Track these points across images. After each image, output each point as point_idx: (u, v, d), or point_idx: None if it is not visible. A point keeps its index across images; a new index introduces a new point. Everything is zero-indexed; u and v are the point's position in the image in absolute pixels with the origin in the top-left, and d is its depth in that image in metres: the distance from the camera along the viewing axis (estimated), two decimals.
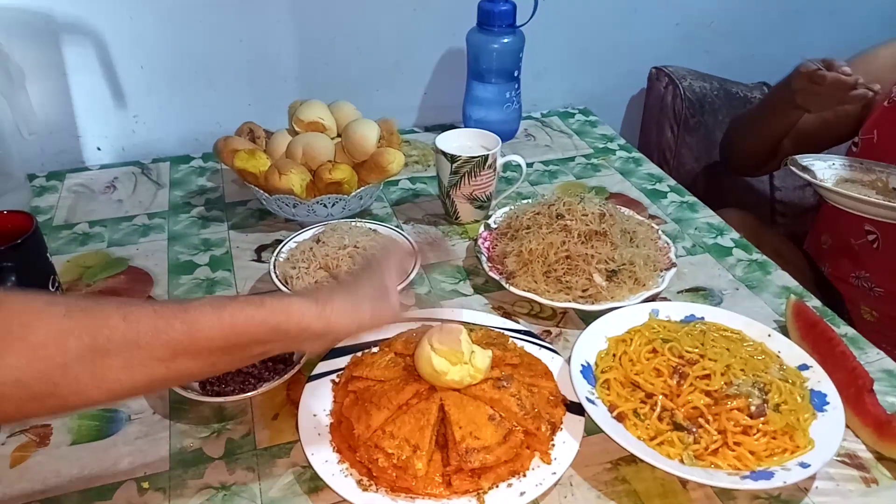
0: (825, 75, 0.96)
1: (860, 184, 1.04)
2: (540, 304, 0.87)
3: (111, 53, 1.19)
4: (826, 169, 1.06)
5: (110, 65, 1.19)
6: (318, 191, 1.02)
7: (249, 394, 0.72)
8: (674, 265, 0.92)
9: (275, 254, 0.90)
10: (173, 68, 1.23)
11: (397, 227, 0.95)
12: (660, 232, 0.98)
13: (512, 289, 0.88)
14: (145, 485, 0.66)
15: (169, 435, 0.72)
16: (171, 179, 1.20)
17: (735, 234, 1.06)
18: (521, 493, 0.63)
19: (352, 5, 1.26)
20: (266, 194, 1.02)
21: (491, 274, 0.91)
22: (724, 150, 1.33)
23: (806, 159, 1.06)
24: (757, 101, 1.43)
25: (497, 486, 0.64)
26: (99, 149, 1.26)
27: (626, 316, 0.81)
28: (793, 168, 1.03)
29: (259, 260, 0.99)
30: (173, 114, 1.27)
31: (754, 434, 0.65)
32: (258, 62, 1.27)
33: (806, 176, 1.00)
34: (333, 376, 0.76)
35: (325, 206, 1.03)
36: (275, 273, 0.86)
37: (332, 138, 1.08)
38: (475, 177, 1.01)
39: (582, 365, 0.74)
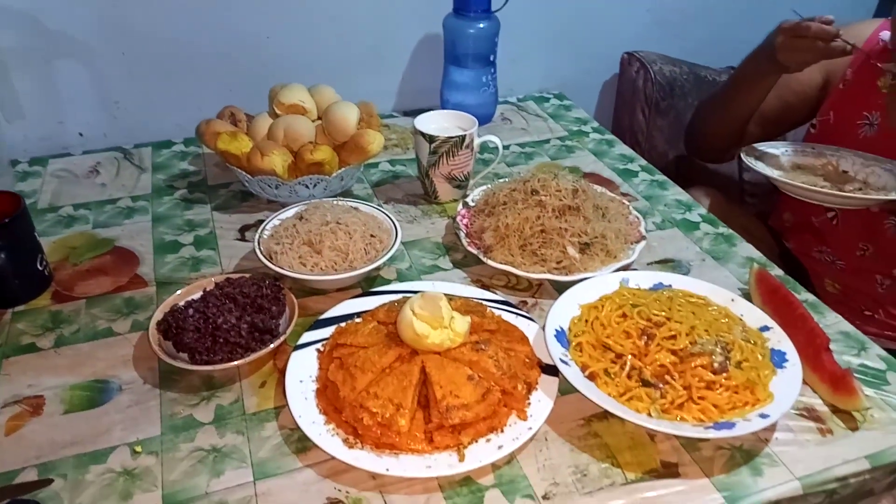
0: (809, 25, 0.99)
1: (812, 169, 1.08)
2: (516, 276, 0.91)
3: (92, 40, 1.20)
4: (780, 156, 1.10)
5: (92, 51, 1.21)
6: (300, 172, 1.04)
7: (237, 362, 0.75)
8: (643, 238, 0.96)
9: (259, 231, 0.92)
10: (154, 54, 1.24)
11: (378, 206, 0.98)
12: (631, 207, 1.02)
13: (490, 262, 0.91)
14: (138, 449, 0.69)
15: (160, 403, 0.74)
16: (153, 164, 1.21)
17: (702, 210, 1.10)
18: (499, 447, 0.67)
19: None
20: (248, 176, 1.04)
21: (469, 249, 0.94)
22: (691, 134, 1.35)
23: (760, 147, 1.10)
24: (725, 81, 1.46)
25: (476, 441, 0.67)
26: (81, 134, 1.27)
27: (598, 285, 0.85)
28: (746, 159, 1.06)
29: (243, 239, 1.02)
30: (155, 99, 1.29)
31: (717, 389, 0.70)
32: (238, 47, 1.28)
33: (758, 168, 1.03)
34: (318, 345, 0.79)
35: (306, 186, 1.05)
36: (259, 249, 0.89)
37: (313, 121, 1.11)
38: (453, 157, 1.05)
39: (556, 330, 0.78)
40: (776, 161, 1.09)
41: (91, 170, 1.19)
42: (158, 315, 0.80)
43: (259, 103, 1.16)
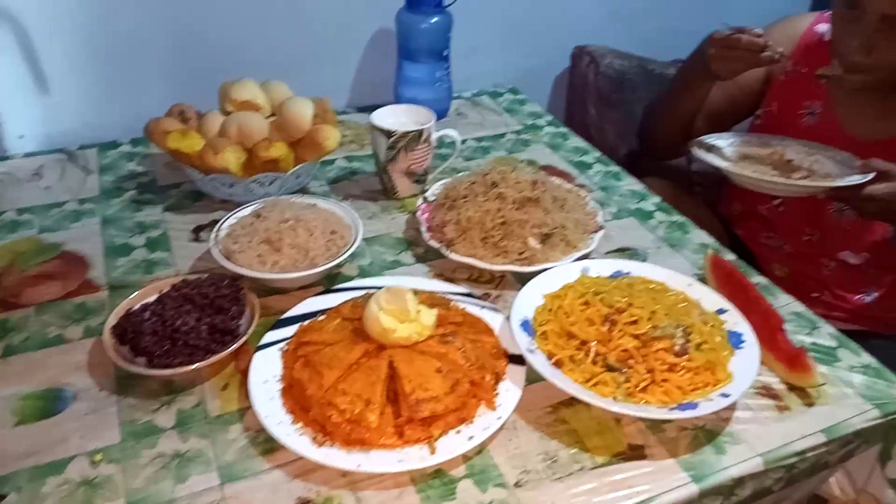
0: (740, 37, 1.02)
1: (759, 158, 1.11)
2: (479, 268, 0.91)
3: (31, 37, 1.15)
4: (727, 147, 1.13)
5: (31, 49, 1.16)
6: (255, 169, 1.02)
7: (197, 365, 0.73)
8: (601, 228, 0.97)
9: (215, 230, 0.90)
10: (98, 51, 1.20)
11: (336, 202, 0.97)
12: (588, 198, 1.04)
13: (452, 255, 0.91)
14: (97, 457, 0.67)
15: (118, 409, 0.72)
16: (99, 165, 1.17)
17: (656, 199, 1.13)
18: (470, 438, 0.67)
19: None
20: (201, 175, 1.02)
21: (431, 243, 0.94)
22: (641, 134, 1.38)
23: (709, 139, 1.13)
24: (669, 81, 1.50)
25: (447, 433, 0.67)
26: (22, 136, 1.22)
27: (560, 274, 0.86)
28: (696, 152, 1.08)
29: (197, 240, 0.99)
30: (99, 98, 1.24)
31: (679, 371, 0.71)
32: (186, 44, 1.25)
33: (709, 160, 1.06)
34: (282, 345, 0.78)
35: (261, 184, 1.03)
36: (216, 249, 0.87)
37: (266, 117, 1.09)
38: (411, 151, 1.04)
39: (521, 320, 0.79)
40: (724, 152, 1.12)
41: (34, 173, 1.14)
42: (113, 319, 0.77)
43: (209, 101, 1.13)
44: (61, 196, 1.08)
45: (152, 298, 0.80)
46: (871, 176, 0.94)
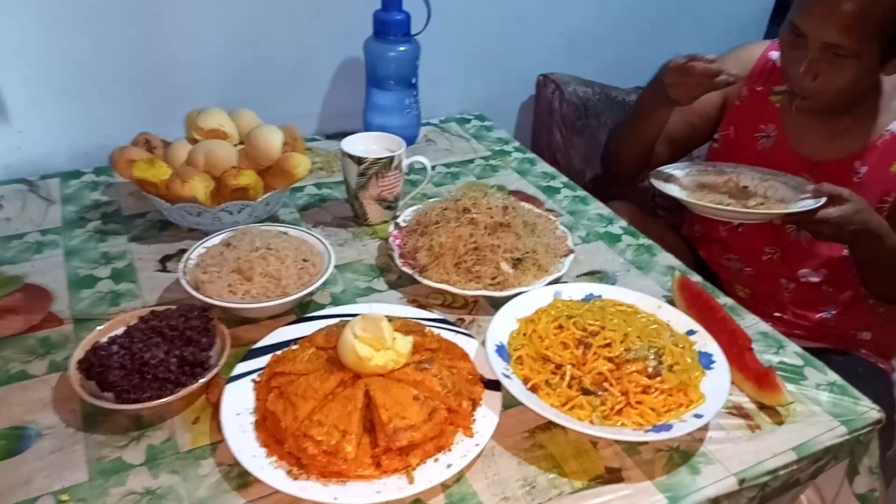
0: (695, 66, 1.05)
1: (716, 186, 1.14)
2: (452, 294, 0.91)
3: None
4: (684, 176, 1.16)
5: None
6: (223, 198, 1.01)
7: (167, 399, 0.71)
8: (571, 251, 0.99)
9: (184, 260, 0.89)
10: (60, 79, 1.18)
11: (308, 230, 0.96)
12: (557, 223, 1.05)
13: (425, 281, 0.91)
14: (64, 497, 0.64)
15: (85, 446, 0.70)
16: (62, 195, 1.15)
17: (623, 222, 1.15)
18: (448, 466, 0.66)
19: (246, 14, 1.26)
20: (168, 204, 1.00)
21: (404, 269, 0.94)
22: (605, 160, 1.41)
23: (666, 170, 1.16)
24: (629, 109, 1.54)
25: (425, 462, 0.67)
26: None
27: (533, 299, 0.87)
28: (654, 183, 1.11)
29: (164, 270, 0.97)
30: (62, 127, 1.22)
31: (653, 392, 0.72)
32: (151, 72, 1.24)
33: (667, 190, 1.08)
34: (254, 376, 0.77)
35: (230, 213, 1.02)
36: (185, 279, 0.86)
37: (235, 146, 1.08)
38: (382, 178, 1.04)
39: (496, 345, 0.79)
40: (682, 182, 1.14)
41: None
42: (79, 353, 0.75)
43: (174, 130, 1.12)
44: (23, 227, 1.05)
45: (120, 331, 0.79)
46: (823, 200, 0.98)
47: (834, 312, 1.24)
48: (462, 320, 0.89)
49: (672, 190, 1.09)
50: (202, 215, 1.01)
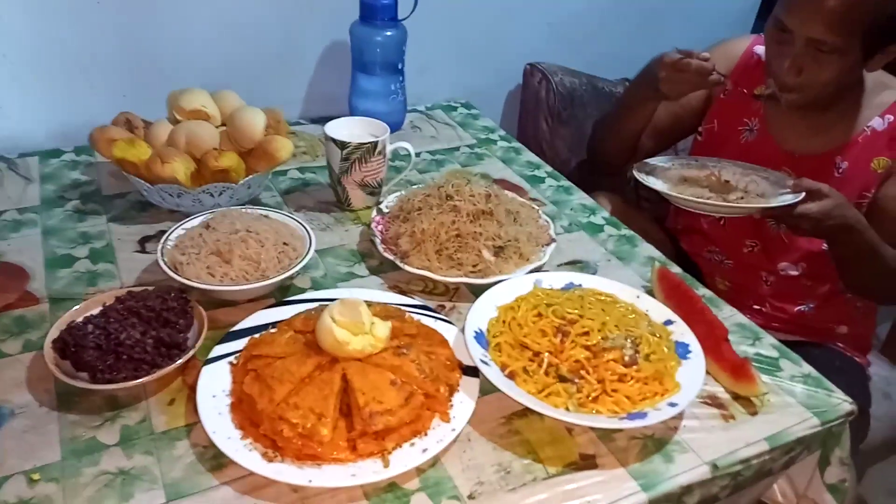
0: (690, 62, 1.06)
1: (698, 180, 1.15)
2: (433, 280, 0.91)
3: None
4: (667, 170, 1.16)
5: None
6: (204, 179, 1.01)
7: (142, 379, 0.71)
8: (553, 241, 0.99)
9: (162, 241, 0.88)
10: (41, 57, 1.16)
11: (289, 214, 0.96)
12: (540, 212, 1.05)
13: (406, 267, 0.91)
14: (35, 476, 0.64)
15: (58, 426, 0.69)
16: (41, 174, 1.13)
17: (606, 213, 1.15)
18: (424, 450, 0.67)
19: None
20: (148, 185, 0.99)
21: (385, 255, 0.94)
22: (591, 150, 1.42)
23: (650, 163, 1.16)
24: (616, 100, 1.54)
25: (401, 446, 0.67)
26: None
27: (514, 286, 0.87)
28: (637, 175, 1.11)
29: (143, 251, 0.97)
30: (41, 106, 1.20)
31: (629, 381, 0.73)
32: (134, 51, 1.22)
33: (650, 183, 1.09)
34: (231, 358, 0.76)
35: (211, 195, 1.02)
36: (163, 260, 0.85)
37: (217, 127, 1.07)
38: (365, 163, 1.04)
39: (475, 331, 0.79)
40: (665, 175, 1.15)
41: None
42: (54, 333, 0.74)
43: (156, 110, 1.10)
44: (0, 205, 1.04)
45: (96, 311, 0.78)
46: (802, 195, 0.99)
47: (812, 306, 1.26)
48: (442, 307, 0.89)
49: (655, 183, 1.09)
50: (182, 197, 1.00)
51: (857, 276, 1.16)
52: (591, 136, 1.39)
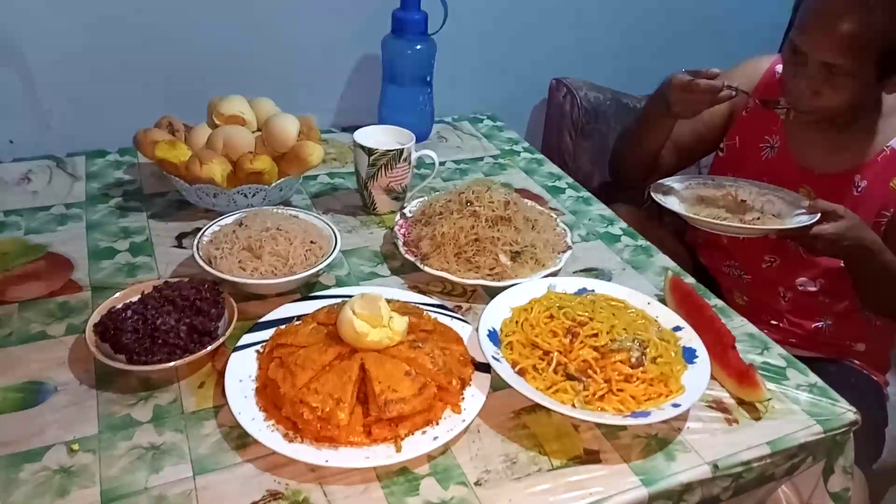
0: (699, 83, 1.08)
1: (714, 200, 1.17)
2: (452, 282, 0.95)
3: (25, 46, 1.19)
4: (684, 189, 1.18)
5: (23, 58, 1.19)
6: (239, 181, 1.06)
7: (175, 363, 0.76)
8: (569, 248, 1.02)
9: (199, 236, 0.93)
10: (90, 63, 1.24)
11: (317, 215, 1.01)
12: (558, 220, 1.09)
13: (426, 269, 0.95)
14: (75, 447, 0.69)
15: (97, 403, 0.74)
16: (87, 172, 1.20)
17: (623, 224, 1.18)
18: (435, 438, 0.70)
19: (271, 9, 1.32)
20: (186, 184, 1.05)
21: (407, 256, 0.98)
22: (611, 165, 1.44)
23: (667, 182, 1.18)
24: (636, 116, 1.56)
25: (413, 434, 0.71)
26: (11, 142, 1.25)
27: (528, 289, 0.90)
28: (654, 196, 1.13)
29: (180, 246, 1.02)
30: (89, 109, 1.28)
31: (634, 382, 0.76)
32: (176, 60, 1.29)
33: (667, 204, 1.11)
34: (258, 347, 0.81)
35: (245, 196, 1.07)
36: (198, 254, 0.90)
37: (253, 132, 1.13)
38: (391, 169, 1.09)
39: (488, 330, 0.83)
40: (681, 194, 1.17)
41: (22, 177, 1.17)
42: (95, 317, 0.80)
43: (196, 115, 1.17)
44: (48, 200, 1.11)
45: (135, 299, 0.83)
46: (817, 216, 1.00)
47: (829, 322, 1.26)
48: (459, 307, 0.93)
49: (672, 203, 1.11)
50: (218, 197, 1.06)
51: (873, 296, 1.17)
52: (612, 152, 1.42)
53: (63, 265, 0.96)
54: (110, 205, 1.11)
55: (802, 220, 1.02)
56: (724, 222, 1.05)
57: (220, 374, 0.77)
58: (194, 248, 0.91)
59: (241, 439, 0.71)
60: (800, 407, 0.81)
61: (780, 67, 1.23)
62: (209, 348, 0.78)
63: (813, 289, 1.24)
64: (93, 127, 1.29)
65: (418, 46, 1.31)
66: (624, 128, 1.39)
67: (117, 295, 0.84)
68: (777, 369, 0.88)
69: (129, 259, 0.98)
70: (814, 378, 0.87)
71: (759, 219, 1.10)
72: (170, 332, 0.78)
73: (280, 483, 0.67)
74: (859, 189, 1.15)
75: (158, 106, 1.27)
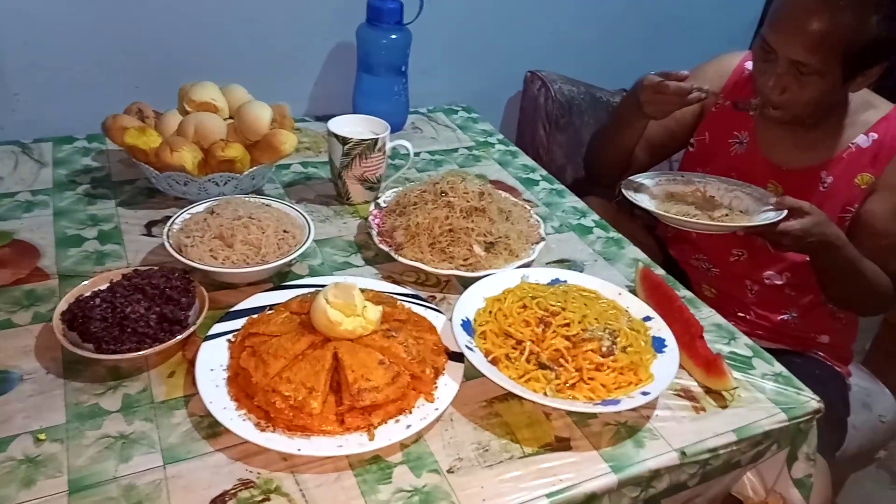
0: (668, 85, 1.10)
1: (683, 196, 1.18)
2: (426, 272, 0.95)
3: None
4: (654, 186, 1.20)
5: None
6: (210, 169, 1.05)
7: (144, 352, 0.75)
8: (543, 239, 1.03)
9: (169, 224, 0.92)
10: (59, 46, 1.21)
11: (290, 204, 1.00)
12: (532, 212, 1.09)
13: (400, 259, 0.95)
14: (41, 436, 0.68)
15: (64, 392, 0.73)
16: (54, 159, 1.18)
17: (596, 216, 1.20)
18: (408, 426, 0.71)
19: None
20: (156, 172, 1.04)
21: (381, 246, 0.98)
22: (586, 163, 1.45)
23: (637, 179, 1.20)
24: (610, 115, 1.58)
25: (386, 422, 0.71)
26: None
27: (502, 280, 0.91)
28: (626, 192, 1.14)
29: (150, 234, 1.01)
30: (57, 93, 1.25)
31: (605, 370, 0.77)
32: (148, 45, 1.27)
33: (638, 201, 1.12)
34: (229, 336, 0.80)
35: (216, 184, 1.06)
36: (168, 242, 0.89)
37: (225, 119, 1.11)
38: (366, 159, 1.08)
39: (462, 320, 0.83)
40: (651, 191, 1.19)
41: None
42: (63, 305, 0.79)
43: (167, 102, 1.15)
44: (14, 186, 1.08)
45: (103, 287, 0.82)
46: (784, 213, 1.03)
47: (795, 315, 1.29)
48: (433, 297, 0.93)
49: (642, 200, 1.13)
50: (189, 185, 1.05)
51: (837, 290, 1.20)
52: (587, 150, 1.43)
53: (29, 253, 0.94)
54: (78, 192, 1.09)
55: (770, 216, 1.04)
56: (693, 220, 1.07)
57: (191, 364, 0.77)
58: (164, 236, 0.90)
59: (211, 428, 0.71)
60: (765, 395, 0.83)
61: (748, 64, 1.25)
62: (179, 337, 0.77)
63: (779, 282, 1.27)
64: (60, 112, 1.26)
65: (393, 36, 1.30)
66: (598, 127, 1.41)
67: (85, 283, 0.82)
68: (743, 359, 0.89)
69: (97, 247, 0.97)
70: (779, 367, 0.89)
71: (727, 215, 1.12)
72: (139, 320, 0.77)
73: (252, 472, 0.67)
74: (825, 185, 1.17)
75: (128, 92, 1.25)
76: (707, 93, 1.09)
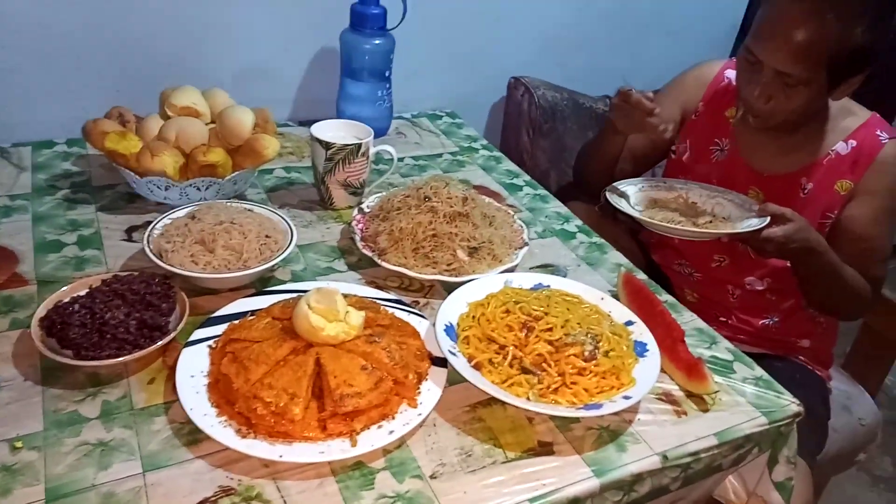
0: (631, 93, 1.10)
1: (666, 202, 1.19)
2: (409, 277, 0.95)
3: None
4: (637, 192, 1.21)
5: None
6: (192, 174, 1.04)
7: (124, 358, 0.74)
8: (526, 244, 1.04)
9: (149, 229, 0.91)
10: (38, 50, 1.20)
11: (273, 209, 1.00)
12: (515, 217, 1.10)
13: (384, 264, 0.95)
14: (18, 444, 0.67)
15: (42, 399, 0.72)
16: (33, 163, 1.16)
17: (579, 221, 1.20)
18: (390, 432, 0.70)
19: None
20: (137, 177, 1.03)
21: (364, 251, 0.98)
22: (575, 173, 1.47)
23: (621, 185, 1.21)
24: (596, 118, 1.59)
25: (368, 428, 0.71)
26: None
27: (485, 285, 0.91)
28: (610, 199, 1.15)
29: (130, 240, 1.00)
30: (36, 97, 1.23)
31: (588, 375, 0.77)
32: (129, 49, 1.26)
33: (622, 207, 1.13)
34: (210, 342, 0.80)
35: (198, 189, 1.05)
36: (149, 247, 0.88)
37: (206, 124, 1.11)
38: (349, 164, 1.08)
39: (445, 325, 0.83)
40: (635, 197, 1.19)
41: None
42: (41, 311, 0.78)
43: (148, 106, 1.14)
44: None
45: (83, 293, 0.81)
46: (767, 220, 1.04)
47: (776, 320, 1.30)
48: (416, 302, 0.93)
49: (626, 207, 1.13)
50: (170, 189, 1.04)
51: (817, 295, 1.21)
52: (576, 161, 1.45)
53: (8, 258, 0.92)
54: (57, 197, 1.08)
55: (752, 223, 1.05)
56: (678, 227, 1.07)
57: (171, 370, 0.76)
58: (145, 242, 0.89)
59: (192, 435, 0.70)
60: (746, 399, 0.84)
61: (729, 73, 1.27)
62: (160, 343, 0.77)
63: (761, 287, 1.28)
64: (40, 116, 1.25)
65: (377, 41, 1.30)
66: (587, 130, 1.42)
67: (65, 289, 0.81)
68: (724, 363, 0.90)
69: (76, 252, 0.96)
70: (759, 371, 0.89)
71: (711, 222, 1.13)
72: (119, 326, 0.76)
73: (233, 479, 0.66)
74: (806, 191, 1.19)
75: (109, 96, 1.24)
76: (666, 131, 1.10)
